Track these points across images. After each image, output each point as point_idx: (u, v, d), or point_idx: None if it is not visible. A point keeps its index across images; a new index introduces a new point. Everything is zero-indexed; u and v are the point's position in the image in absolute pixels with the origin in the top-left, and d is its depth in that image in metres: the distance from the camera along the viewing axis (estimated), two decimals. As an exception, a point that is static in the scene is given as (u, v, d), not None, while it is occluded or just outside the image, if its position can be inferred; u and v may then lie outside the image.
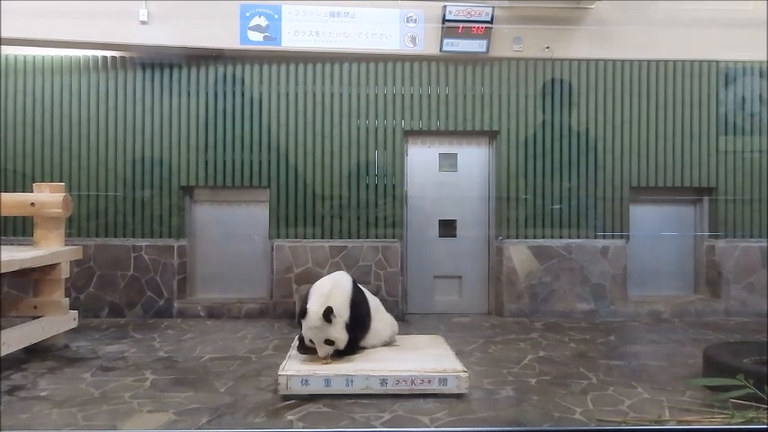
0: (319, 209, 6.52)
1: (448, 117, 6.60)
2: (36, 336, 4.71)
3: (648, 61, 6.66)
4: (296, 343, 4.37)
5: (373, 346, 4.41)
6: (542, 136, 6.63)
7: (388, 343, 4.57)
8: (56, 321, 4.94)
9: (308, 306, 4.06)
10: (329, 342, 4.01)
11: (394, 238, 6.53)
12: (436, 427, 3.37)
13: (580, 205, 6.62)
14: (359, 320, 4.18)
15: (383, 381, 3.79)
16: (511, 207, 6.59)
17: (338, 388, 3.77)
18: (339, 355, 4.12)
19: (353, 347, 4.20)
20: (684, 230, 6.92)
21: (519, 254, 6.53)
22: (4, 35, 5.87)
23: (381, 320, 4.54)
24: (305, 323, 4.03)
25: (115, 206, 6.46)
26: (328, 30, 6.35)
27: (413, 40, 6.42)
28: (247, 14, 6.29)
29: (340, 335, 4.01)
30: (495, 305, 6.70)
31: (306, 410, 3.58)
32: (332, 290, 4.14)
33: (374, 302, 4.54)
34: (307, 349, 4.15)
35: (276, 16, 6.31)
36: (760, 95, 6.69)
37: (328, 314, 3.94)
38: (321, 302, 4.01)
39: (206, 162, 6.51)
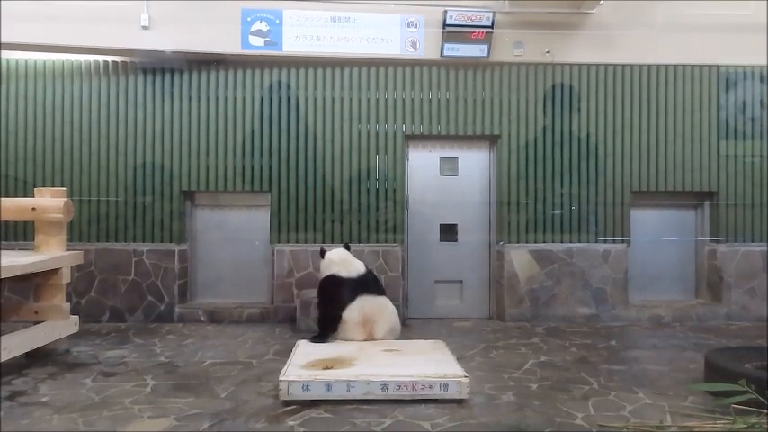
0: (320, 213, 6.53)
1: (449, 121, 6.61)
2: (37, 341, 4.71)
3: (649, 66, 6.67)
4: (298, 345, 4.58)
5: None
6: (543, 140, 6.64)
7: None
8: (56, 326, 4.94)
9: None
10: None
11: (395, 242, 6.53)
12: (437, 432, 3.36)
13: (581, 209, 6.61)
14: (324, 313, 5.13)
15: (384, 386, 3.78)
16: (512, 211, 6.59)
17: (339, 393, 3.76)
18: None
19: (324, 330, 5.01)
20: (685, 235, 6.92)
21: (520, 258, 6.52)
22: (4, 40, 5.90)
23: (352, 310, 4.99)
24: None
25: (116, 211, 6.46)
26: (329, 35, 6.37)
27: (414, 44, 6.43)
28: (248, 19, 6.30)
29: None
30: (496, 310, 6.69)
31: (307, 416, 3.58)
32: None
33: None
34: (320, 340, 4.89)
35: (277, 21, 6.33)
36: (760, 100, 6.70)
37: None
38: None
39: (207, 166, 6.52)
